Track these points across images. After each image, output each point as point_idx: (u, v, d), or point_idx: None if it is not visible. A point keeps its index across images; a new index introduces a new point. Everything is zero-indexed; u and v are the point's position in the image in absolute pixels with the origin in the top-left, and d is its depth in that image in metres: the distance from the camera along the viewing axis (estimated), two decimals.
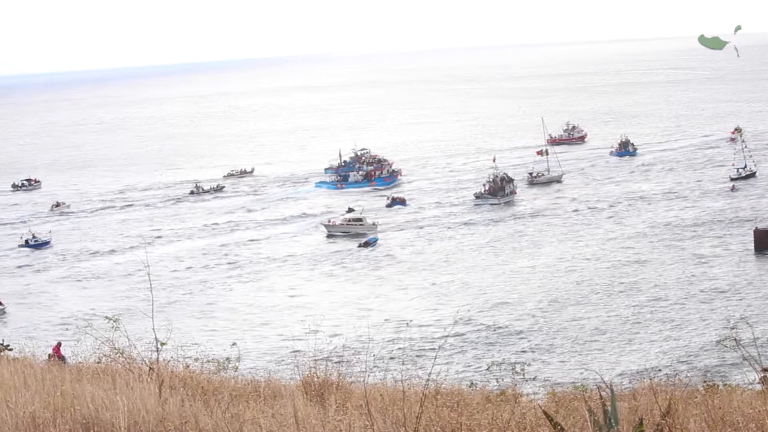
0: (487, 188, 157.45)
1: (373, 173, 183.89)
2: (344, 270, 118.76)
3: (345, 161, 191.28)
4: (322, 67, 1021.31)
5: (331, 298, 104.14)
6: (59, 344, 43.09)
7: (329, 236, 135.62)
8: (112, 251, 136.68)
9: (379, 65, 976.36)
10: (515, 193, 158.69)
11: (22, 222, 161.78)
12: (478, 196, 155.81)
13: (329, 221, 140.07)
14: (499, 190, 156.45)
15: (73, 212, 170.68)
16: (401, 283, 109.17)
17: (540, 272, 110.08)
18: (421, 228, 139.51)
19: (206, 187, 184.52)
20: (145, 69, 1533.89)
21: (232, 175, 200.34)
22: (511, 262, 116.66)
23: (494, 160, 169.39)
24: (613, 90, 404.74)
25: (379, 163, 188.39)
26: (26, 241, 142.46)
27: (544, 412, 11.26)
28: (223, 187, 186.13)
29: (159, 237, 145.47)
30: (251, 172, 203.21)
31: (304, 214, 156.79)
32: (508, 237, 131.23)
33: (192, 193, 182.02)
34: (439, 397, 13.03)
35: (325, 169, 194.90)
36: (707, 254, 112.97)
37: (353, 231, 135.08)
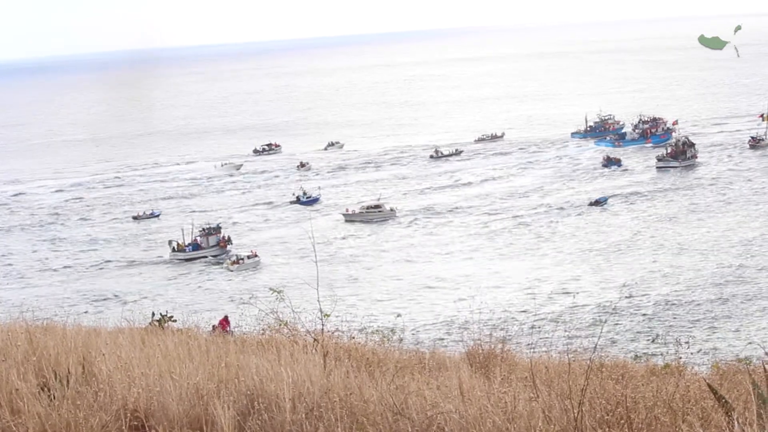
0: (669, 152, 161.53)
1: (648, 131, 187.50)
2: (514, 238, 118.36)
3: (590, 126, 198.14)
4: (486, 39, 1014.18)
5: (495, 270, 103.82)
6: (226, 317, 43.50)
7: (347, 221, 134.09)
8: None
9: (542, 38, 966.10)
10: (696, 157, 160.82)
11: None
12: (660, 159, 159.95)
13: (347, 210, 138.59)
14: (680, 153, 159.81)
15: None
16: (564, 254, 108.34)
17: (706, 244, 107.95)
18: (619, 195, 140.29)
19: (445, 152, 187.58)
20: (320, 40, 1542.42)
21: (482, 139, 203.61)
22: (679, 234, 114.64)
23: (675, 123, 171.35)
24: None
25: (654, 121, 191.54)
26: (297, 198, 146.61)
27: (708, 385, 11.03)
28: (462, 151, 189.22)
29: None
30: (502, 136, 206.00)
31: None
32: (681, 206, 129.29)
33: (432, 157, 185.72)
34: (603, 369, 12.86)
35: (572, 134, 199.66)
36: None
37: (371, 219, 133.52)
